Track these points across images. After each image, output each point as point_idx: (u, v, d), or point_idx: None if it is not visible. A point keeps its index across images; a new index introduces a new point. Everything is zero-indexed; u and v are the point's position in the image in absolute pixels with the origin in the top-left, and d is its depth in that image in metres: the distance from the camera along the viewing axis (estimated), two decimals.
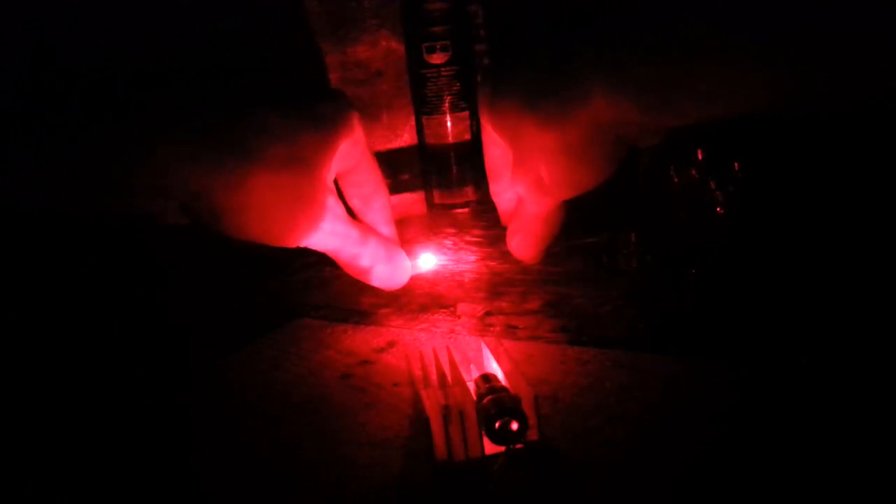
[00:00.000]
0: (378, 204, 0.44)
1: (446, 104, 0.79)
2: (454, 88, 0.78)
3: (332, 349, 0.49)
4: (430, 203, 0.91)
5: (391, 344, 0.49)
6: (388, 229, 0.45)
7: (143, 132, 0.32)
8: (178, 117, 0.33)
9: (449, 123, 0.80)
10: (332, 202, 0.39)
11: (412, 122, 0.81)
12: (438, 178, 0.87)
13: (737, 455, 0.32)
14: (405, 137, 0.82)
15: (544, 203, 0.39)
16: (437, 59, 0.81)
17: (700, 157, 0.47)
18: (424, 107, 0.80)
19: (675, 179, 0.50)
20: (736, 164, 0.46)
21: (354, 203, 0.44)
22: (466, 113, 0.78)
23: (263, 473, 0.35)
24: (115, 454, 0.37)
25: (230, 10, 0.40)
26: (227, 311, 0.52)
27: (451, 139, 0.80)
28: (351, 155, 0.40)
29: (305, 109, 0.36)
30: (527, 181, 0.38)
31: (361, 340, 0.50)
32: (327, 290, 0.63)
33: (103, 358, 0.44)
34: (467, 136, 0.80)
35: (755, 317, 0.43)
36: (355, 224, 0.42)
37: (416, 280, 0.63)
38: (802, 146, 0.43)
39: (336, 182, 0.42)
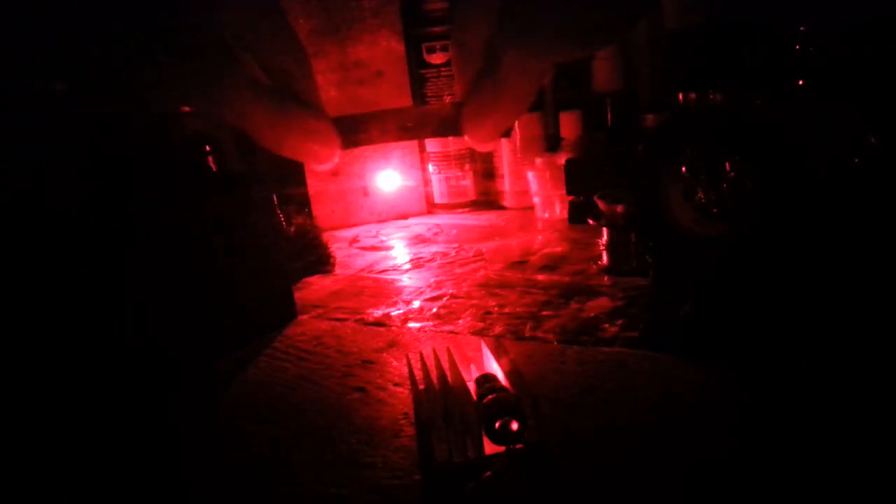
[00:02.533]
0: None
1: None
2: (454, 88, 0.78)
3: (331, 349, 0.49)
4: (430, 203, 0.91)
5: (391, 344, 0.49)
6: None
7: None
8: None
9: None
10: None
11: None
12: (439, 178, 0.87)
13: (736, 455, 0.32)
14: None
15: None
16: (437, 59, 0.81)
17: (700, 157, 0.48)
18: (424, 106, 0.80)
19: (676, 179, 0.50)
20: (733, 164, 0.46)
21: None
22: None
23: (263, 473, 0.35)
24: (115, 454, 0.37)
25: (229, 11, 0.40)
26: (228, 311, 0.52)
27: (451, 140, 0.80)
28: None
29: None
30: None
31: (361, 340, 0.50)
32: (328, 290, 0.63)
33: (102, 358, 0.44)
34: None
35: (755, 317, 0.43)
36: None
37: (415, 281, 0.63)
38: (802, 146, 0.43)
39: None
